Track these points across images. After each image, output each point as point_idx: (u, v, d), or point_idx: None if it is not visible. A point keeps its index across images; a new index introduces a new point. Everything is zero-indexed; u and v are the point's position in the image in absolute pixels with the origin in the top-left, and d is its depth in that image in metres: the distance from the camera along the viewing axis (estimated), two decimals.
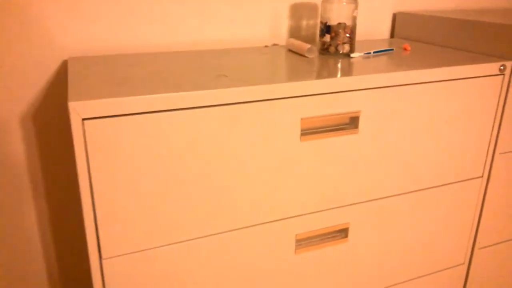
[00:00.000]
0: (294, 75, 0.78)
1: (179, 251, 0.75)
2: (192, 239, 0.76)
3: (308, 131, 0.79)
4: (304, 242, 0.86)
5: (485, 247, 1.09)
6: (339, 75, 0.78)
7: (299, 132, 0.77)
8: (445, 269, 1.06)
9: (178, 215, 0.73)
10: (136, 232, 0.71)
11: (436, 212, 0.98)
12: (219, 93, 0.69)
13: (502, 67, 0.92)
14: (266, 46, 1.09)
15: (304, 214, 0.83)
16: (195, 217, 0.74)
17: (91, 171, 0.65)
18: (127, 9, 0.96)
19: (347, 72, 0.81)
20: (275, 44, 1.13)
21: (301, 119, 0.76)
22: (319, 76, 0.77)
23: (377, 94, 0.81)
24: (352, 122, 0.82)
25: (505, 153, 1.00)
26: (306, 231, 0.85)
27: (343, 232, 0.89)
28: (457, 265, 1.07)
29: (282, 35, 1.13)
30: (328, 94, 0.77)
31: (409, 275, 1.01)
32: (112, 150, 0.65)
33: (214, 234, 0.77)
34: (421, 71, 0.84)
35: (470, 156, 0.96)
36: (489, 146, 0.98)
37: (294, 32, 1.14)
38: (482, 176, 1.00)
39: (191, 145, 0.70)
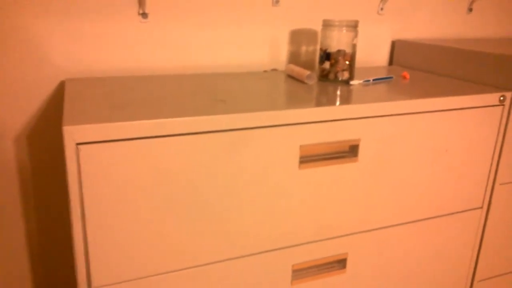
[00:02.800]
0: (293, 102, 0.77)
1: (172, 281, 0.73)
2: (186, 268, 0.73)
3: (307, 159, 0.77)
4: (301, 272, 0.84)
5: (485, 279, 1.07)
6: (338, 102, 0.78)
7: (297, 160, 0.76)
8: None
9: (172, 244, 0.71)
10: (128, 261, 0.69)
11: (435, 242, 0.96)
12: (216, 119, 0.68)
13: (502, 98, 0.91)
14: (265, 71, 1.08)
15: (301, 244, 0.81)
16: (190, 246, 0.72)
17: (84, 196, 0.63)
18: (126, 31, 0.95)
19: (346, 99, 0.80)
20: (274, 69, 1.12)
21: (300, 146, 0.75)
22: (319, 103, 0.77)
23: (377, 122, 0.80)
24: (352, 151, 0.81)
25: (505, 183, 0.99)
26: (303, 261, 0.83)
27: (341, 263, 0.87)
28: None
29: (281, 61, 1.13)
30: (328, 122, 0.76)
31: None
32: (106, 175, 0.63)
33: (209, 264, 0.75)
34: (421, 100, 0.83)
35: (470, 186, 0.95)
36: (489, 176, 0.97)
37: (294, 58, 1.14)
38: (482, 207, 0.99)
39: (187, 171, 0.68)
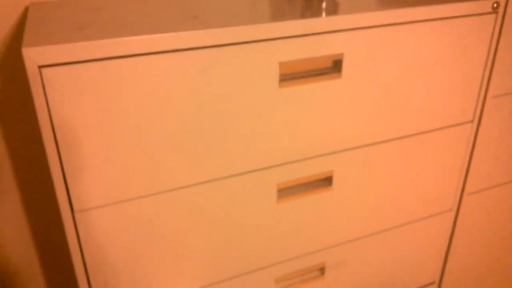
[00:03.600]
0: (272, 16, 0.73)
1: (155, 203, 0.73)
2: (169, 190, 0.73)
3: (288, 77, 0.75)
4: (286, 191, 0.84)
5: (474, 192, 1.07)
6: (321, 15, 0.73)
7: (277, 78, 0.73)
8: (434, 215, 1.05)
9: (151, 165, 0.70)
10: (109, 184, 0.68)
11: (424, 157, 0.95)
12: (186, 36, 0.64)
13: (495, 5, 0.86)
14: None
15: (286, 163, 0.81)
16: (171, 168, 0.72)
17: (54, 123, 0.61)
18: None
19: (330, 12, 0.76)
20: None
21: (279, 63, 0.72)
22: (300, 16, 0.72)
23: (360, 35, 0.76)
24: (335, 66, 0.78)
25: (497, 96, 0.97)
26: (288, 180, 0.83)
27: (327, 181, 0.87)
28: (446, 211, 1.06)
29: None
30: (308, 36, 0.72)
31: (396, 221, 1.00)
32: (75, 99, 0.61)
33: (192, 185, 0.75)
34: (407, 9, 0.78)
35: (460, 100, 0.93)
36: (480, 89, 0.94)
37: None
38: (472, 121, 0.97)
39: (160, 92, 0.66)
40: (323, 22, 0.72)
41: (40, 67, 0.57)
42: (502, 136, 1.03)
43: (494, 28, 0.89)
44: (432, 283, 1.16)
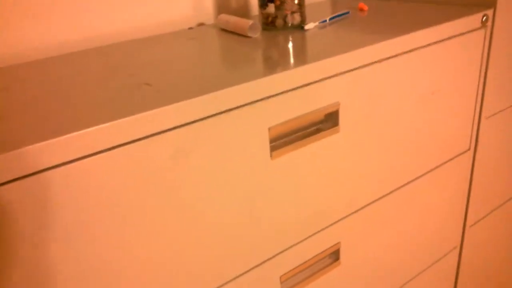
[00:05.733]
0: (241, 70, 0.55)
1: None
2: None
3: (279, 143, 0.58)
4: (291, 280, 0.67)
5: (475, 223, 0.96)
6: (304, 58, 0.57)
7: (268, 147, 0.56)
8: (441, 257, 0.92)
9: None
10: None
11: (427, 199, 0.82)
12: (149, 117, 0.45)
13: (484, 18, 0.76)
14: (190, 28, 0.85)
15: (289, 247, 0.63)
16: (168, 271, 0.51)
17: None
18: None
19: (310, 52, 0.60)
20: (201, 24, 0.89)
21: (269, 129, 0.55)
22: (277, 66, 0.56)
23: (354, 77, 0.61)
24: (330, 119, 0.62)
25: (491, 116, 0.86)
26: (293, 267, 0.65)
27: (335, 255, 0.71)
28: (452, 249, 0.94)
29: (207, 12, 0.89)
30: (297, 89, 0.56)
31: (409, 273, 0.86)
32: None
33: None
34: (398, 39, 0.65)
35: (458, 128, 0.81)
36: (474, 112, 0.83)
37: (223, 6, 0.90)
38: (469, 149, 0.86)
39: (125, 200, 0.46)
40: (308, 70, 0.56)
41: None
42: (500, 156, 0.93)
43: (484, 44, 0.78)
44: None
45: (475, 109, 0.83)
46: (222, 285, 0.58)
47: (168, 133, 0.47)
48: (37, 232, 0.41)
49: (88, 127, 0.42)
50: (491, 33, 0.78)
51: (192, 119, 0.48)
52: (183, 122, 0.47)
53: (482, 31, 0.76)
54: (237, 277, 0.59)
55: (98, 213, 0.44)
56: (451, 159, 0.83)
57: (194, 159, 0.50)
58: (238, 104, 0.51)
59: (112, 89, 0.52)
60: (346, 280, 0.73)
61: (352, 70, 0.61)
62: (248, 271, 0.60)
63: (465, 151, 0.85)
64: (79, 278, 0.45)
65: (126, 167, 0.45)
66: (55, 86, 0.56)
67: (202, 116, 0.48)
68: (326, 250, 0.68)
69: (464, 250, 0.97)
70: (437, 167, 0.81)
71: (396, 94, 0.68)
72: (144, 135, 0.45)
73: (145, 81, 0.54)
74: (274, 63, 0.57)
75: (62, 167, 0.41)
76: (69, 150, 0.41)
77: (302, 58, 0.58)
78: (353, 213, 0.70)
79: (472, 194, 0.91)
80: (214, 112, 0.50)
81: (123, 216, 0.46)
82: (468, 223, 0.94)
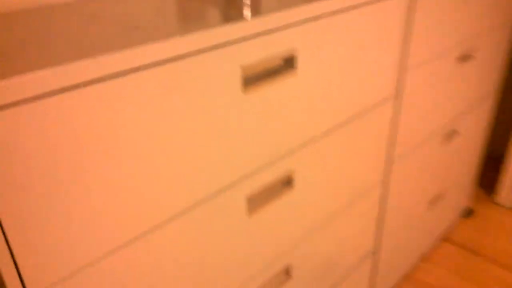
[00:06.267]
0: (206, 19, 0.64)
1: (119, 260, 0.61)
2: (135, 239, 0.61)
3: (251, 80, 0.68)
4: (256, 199, 0.78)
5: (403, 155, 1.14)
6: (267, 11, 0.67)
7: (240, 83, 0.65)
8: (368, 189, 1.09)
9: (118, 211, 0.58)
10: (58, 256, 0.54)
11: (364, 133, 0.97)
12: (150, 50, 0.53)
13: None
14: None
15: (255, 171, 0.74)
16: (145, 202, 0.60)
17: None
18: None
19: (270, 6, 0.70)
20: None
21: (242, 66, 0.65)
22: (241, 16, 0.65)
23: (310, 27, 0.72)
24: (289, 63, 0.73)
25: (415, 66, 1.03)
26: (258, 188, 0.76)
27: (290, 179, 0.83)
28: (378, 183, 1.11)
29: None
30: (265, 35, 0.66)
31: (340, 203, 1.01)
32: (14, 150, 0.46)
33: (167, 221, 0.64)
34: None
35: (389, 74, 0.96)
36: (400, 61, 0.98)
37: None
38: (396, 94, 1.01)
39: (120, 123, 0.54)
40: (273, 18, 0.66)
41: None
42: (422, 101, 1.10)
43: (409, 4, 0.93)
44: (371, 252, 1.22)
45: (399, 59, 0.98)
46: (195, 204, 0.68)
47: (157, 67, 0.55)
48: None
49: (106, 52, 0.49)
50: None
51: (185, 52, 0.56)
52: (171, 56, 0.56)
53: None
54: (209, 196, 0.69)
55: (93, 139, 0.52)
56: (379, 102, 0.98)
57: (180, 90, 0.58)
58: (217, 43, 0.60)
59: (106, 33, 0.59)
60: (300, 202, 0.87)
61: (306, 21, 0.71)
62: (219, 191, 0.70)
63: (391, 96, 1.01)
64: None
65: (119, 97, 0.53)
66: (46, 30, 0.61)
67: (191, 49, 0.57)
68: (282, 175, 0.80)
69: (388, 184, 1.15)
70: (368, 108, 0.95)
71: (340, 44, 0.80)
72: (132, 66, 0.53)
73: (134, 25, 0.61)
74: (244, 11, 0.66)
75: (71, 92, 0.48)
76: (75, 76, 0.48)
77: (268, 8, 0.68)
78: (305, 145, 0.82)
79: (396, 133, 1.08)
80: (202, 47, 0.58)
81: (114, 143, 0.54)
82: (394, 159, 1.12)
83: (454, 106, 1.30)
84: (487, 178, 1.99)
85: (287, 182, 0.83)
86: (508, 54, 1.52)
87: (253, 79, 0.69)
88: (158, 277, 0.66)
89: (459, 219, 1.77)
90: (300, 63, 0.74)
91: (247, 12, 0.65)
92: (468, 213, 1.78)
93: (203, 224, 0.70)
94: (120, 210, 0.57)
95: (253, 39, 0.64)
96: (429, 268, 1.54)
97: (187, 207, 0.66)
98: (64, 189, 0.51)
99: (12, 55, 0.50)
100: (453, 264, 1.56)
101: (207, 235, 0.71)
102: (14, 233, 0.48)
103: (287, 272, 0.93)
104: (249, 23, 0.62)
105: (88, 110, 0.50)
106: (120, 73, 0.51)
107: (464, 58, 1.24)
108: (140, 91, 0.54)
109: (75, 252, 0.55)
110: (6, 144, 0.45)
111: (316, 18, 0.73)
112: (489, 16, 1.27)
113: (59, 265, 0.54)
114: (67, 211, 0.52)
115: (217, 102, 0.63)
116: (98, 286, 0.59)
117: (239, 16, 0.63)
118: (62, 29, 0.60)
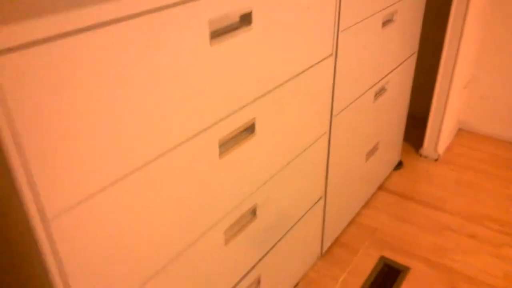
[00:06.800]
0: None
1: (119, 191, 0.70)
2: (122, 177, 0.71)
3: (215, 33, 0.78)
4: (227, 144, 0.89)
5: (340, 112, 1.29)
6: None
7: (208, 36, 0.76)
8: (314, 141, 1.23)
9: (102, 151, 0.67)
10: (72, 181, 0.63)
11: (308, 89, 1.11)
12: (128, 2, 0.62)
13: None
14: None
15: (225, 117, 0.85)
16: (125, 147, 0.69)
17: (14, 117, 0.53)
18: None
19: None
20: None
21: (209, 21, 0.75)
22: None
23: None
24: (245, 20, 0.84)
25: (346, 29, 1.17)
26: (227, 134, 0.87)
27: (252, 126, 0.95)
28: (322, 135, 1.25)
29: None
30: None
31: (297, 151, 1.15)
32: (33, 86, 0.54)
33: (150, 162, 0.73)
34: None
35: (326, 37, 1.10)
36: (334, 25, 1.13)
37: None
38: (332, 54, 1.16)
39: (107, 65, 0.63)
40: None
41: None
42: (355, 60, 1.26)
43: None
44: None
45: (334, 22, 1.13)
46: (176, 145, 0.78)
47: (142, 17, 0.64)
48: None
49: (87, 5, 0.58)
50: None
51: (154, 7, 0.66)
52: (155, 7, 0.65)
53: None
54: (188, 139, 0.79)
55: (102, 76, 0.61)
56: (320, 61, 1.12)
57: (158, 39, 0.68)
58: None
59: None
60: (261, 147, 0.99)
61: None
62: (195, 135, 0.81)
63: (329, 55, 1.15)
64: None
65: (116, 41, 0.62)
66: None
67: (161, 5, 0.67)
68: (246, 122, 0.92)
69: (332, 135, 1.30)
70: (312, 66, 1.09)
71: (287, 6, 0.92)
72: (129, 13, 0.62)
73: None
74: None
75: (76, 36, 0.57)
76: (81, 20, 0.57)
77: None
78: (264, 95, 0.94)
79: (335, 89, 1.23)
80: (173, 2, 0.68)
81: (114, 84, 0.63)
82: (335, 112, 1.27)
83: (382, 66, 1.48)
84: (414, 134, 2.23)
85: (250, 129, 0.95)
86: (423, 17, 1.72)
87: (218, 33, 0.79)
88: (145, 211, 0.76)
89: (391, 171, 1.98)
90: (255, 21, 0.85)
91: None
92: (398, 165, 2.00)
93: (183, 164, 0.80)
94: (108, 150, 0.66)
95: None
96: (371, 214, 1.74)
97: (170, 148, 0.76)
98: (77, 118, 0.59)
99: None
100: (390, 208, 1.76)
101: (186, 175, 0.81)
102: (33, 156, 0.56)
103: (253, 212, 1.05)
104: None
105: (90, 50, 0.59)
106: (112, 21, 0.60)
107: (387, 22, 1.41)
108: (125, 38, 0.63)
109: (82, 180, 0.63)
110: (34, 74, 0.53)
111: None
112: None
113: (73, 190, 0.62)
114: (78, 143, 0.60)
115: (190, 54, 0.74)
116: (93, 217, 0.68)
117: None
118: None
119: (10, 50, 0.50)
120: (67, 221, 0.62)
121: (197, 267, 0.91)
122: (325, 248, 1.52)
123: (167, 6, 0.67)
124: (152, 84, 0.69)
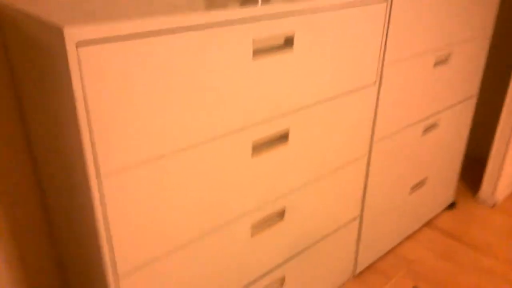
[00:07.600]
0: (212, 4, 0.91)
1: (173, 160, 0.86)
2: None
3: (259, 52, 0.94)
4: (260, 146, 1.03)
5: (382, 138, 1.38)
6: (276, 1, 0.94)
7: (251, 52, 0.91)
8: (351, 161, 1.33)
9: (165, 130, 0.84)
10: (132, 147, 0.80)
11: (347, 112, 1.22)
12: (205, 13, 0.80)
13: None
14: None
15: (260, 123, 1.00)
16: (179, 129, 0.86)
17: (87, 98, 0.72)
18: None
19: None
20: None
21: (253, 40, 0.91)
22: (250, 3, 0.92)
23: (307, 17, 0.99)
24: (288, 43, 0.99)
25: (392, 61, 1.28)
26: (261, 137, 1.02)
27: (286, 135, 1.08)
28: (362, 156, 1.35)
29: None
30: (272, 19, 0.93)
31: (324, 168, 1.25)
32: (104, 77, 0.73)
33: (197, 145, 0.89)
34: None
35: (369, 65, 1.21)
36: (379, 55, 1.24)
37: None
38: (375, 82, 1.26)
39: (167, 67, 0.80)
40: (279, 6, 0.93)
41: (78, 45, 0.68)
42: (398, 92, 1.35)
43: (386, 11, 1.18)
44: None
45: (379, 54, 1.23)
46: (217, 137, 0.93)
47: (198, 31, 0.81)
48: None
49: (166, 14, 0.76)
50: (391, 5, 1.19)
51: (215, 21, 0.83)
52: (209, 22, 0.82)
53: (384, 4, 1.17)
54: (226, 134, 0.95)
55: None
56: (362, 87, 1.23)
57: (208, 52, 0.85)
58: (236, 18, 0.87)
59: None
60: (294, 156, 1.11)
61: (307, 12, 0.98)
62: (232, 131, 0.96)
63: (373, 84, 1.26)
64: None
65: (175, 46, 0.79)
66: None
67: (219, 20, 0.84)
68: (280, 130, 1.06)
69: (371, 160, 1.38)
70: (352, 90, 1.20)
71: (331, 34, 1.06)
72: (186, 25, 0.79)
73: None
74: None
75: (149, 38, 0.75)
76: (155, 26, 0.75)
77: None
78: (300, 109, 1.07)
79: (377, 115, 1.32)
80: (227, 19, 0.85)
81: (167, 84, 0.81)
82: (376, 138, 1.36)
83: (433, 103, 1.54)
84: (471, 176, 2.21)
85: (283, 136, 1.08)
86: (485, 61, 1.75)
87: (261, 51, 0.95)
88: (183, 186, 0.91)
89: (443, 210, 1.98)
90: (296, 43, 1.00)
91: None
92: (451, 205, 2.00)
93: (220, 154, 0.95)
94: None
95: (263, 20, 0.91)
96: (412, 246, 1.76)
97: (214, 136, 0.92)
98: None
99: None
100: (433, 245, 1.77)
101: (221, 164, 0.96)
102: (98, 128, 0.75)
103: (281, 214, 1.17)
104: (260, 7, 0.89)
105: (161, 51, 0.77)
106: (177, 29, 0.78)
107: (440, 63, 1.48)
108: (188, 44, 0.80)
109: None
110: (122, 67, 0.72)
111: (312, 10, 0.99)
112: (466, 27, 1.52)
113: None
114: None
115: (234, 64, 0.89)
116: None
117: (254, 2, 0.90)
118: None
119: (103, 40, 0.70)
120: (116, 181, 0.80)
121: (223, 250, 1.05)
122: (358, 270, 1.58)
123: (225, 23, 0.84)
124: (202, 82, 0.85)
